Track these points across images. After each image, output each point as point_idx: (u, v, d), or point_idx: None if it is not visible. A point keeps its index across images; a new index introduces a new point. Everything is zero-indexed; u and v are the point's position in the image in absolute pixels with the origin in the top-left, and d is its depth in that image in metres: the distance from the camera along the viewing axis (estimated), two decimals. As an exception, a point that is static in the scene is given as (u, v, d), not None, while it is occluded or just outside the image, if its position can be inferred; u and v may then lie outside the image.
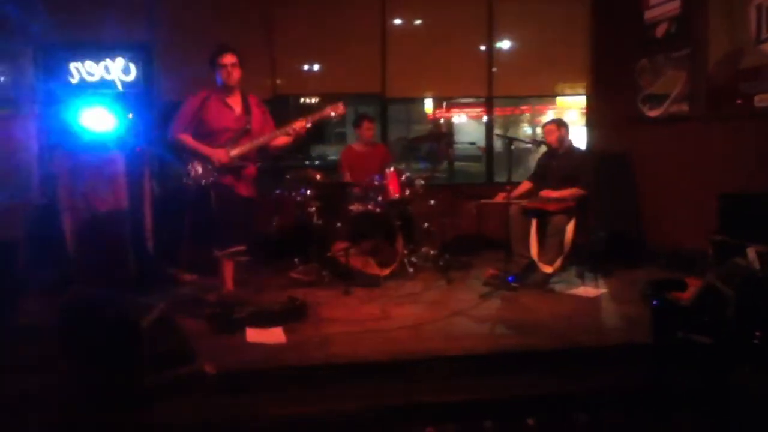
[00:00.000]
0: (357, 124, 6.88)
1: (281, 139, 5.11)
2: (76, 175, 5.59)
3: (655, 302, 3.88)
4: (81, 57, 6.94)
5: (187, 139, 4.95)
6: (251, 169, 5.13)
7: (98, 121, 5.63)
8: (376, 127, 7.27)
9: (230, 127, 4.99)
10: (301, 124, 5.02)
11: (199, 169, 4.93)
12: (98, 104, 5.71)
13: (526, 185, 6.22)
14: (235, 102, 5.08)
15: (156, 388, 3.53)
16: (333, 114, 5.16)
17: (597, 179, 5.87)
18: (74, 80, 6.90)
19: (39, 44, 6.68)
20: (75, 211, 5.55)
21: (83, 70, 6.92)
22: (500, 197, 5.88)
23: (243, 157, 5.01)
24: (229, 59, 4.95)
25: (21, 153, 6.16)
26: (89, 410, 3.43)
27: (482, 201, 6.33)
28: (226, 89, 5.01)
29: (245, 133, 5.03)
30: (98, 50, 6.95)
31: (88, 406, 3.46)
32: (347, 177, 6.52)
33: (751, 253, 4.23)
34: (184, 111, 5.00)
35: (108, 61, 6.97)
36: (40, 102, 6.61)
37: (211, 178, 4.90)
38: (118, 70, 7.00)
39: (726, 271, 3.66)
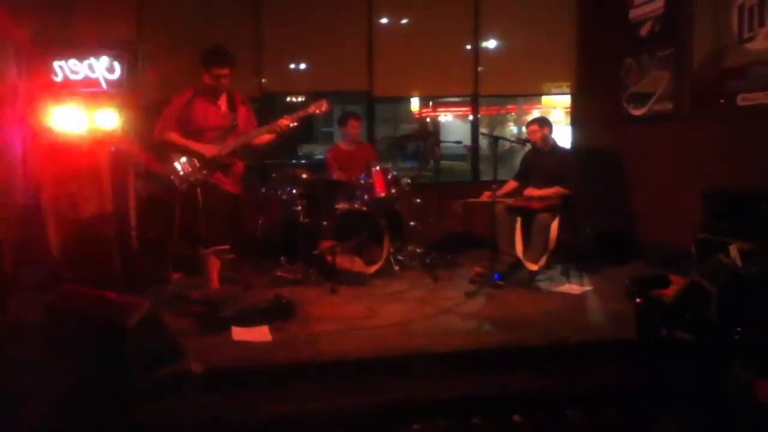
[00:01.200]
0: (343, 122, 6.88)
1: (265, 137, 5.12)
2: (60, 175, 5.56)
3: (638, 299, 3.91)
4: (65, 55, 6.87)
5: (175, 137, 4.93)
6: (239, 166, 5.14)
7: (81, 120, 5.61)
8: (363, 125, 7.27)
9: (217, 125, 4.99)
10: (286, 122, 5.03)
11: (188, 167, 4.92)
12: (82, 103, 5.68)
13: (512, 184, 6.25)
14: (221, 99, 5.08)
15: (144, 387, 3.52)
16: (317, 111, 5.19)
17: (580, 178, 5.90)
18: (58, 78, 6.84)
19: (22, 41, 6.62)
20: (59, 211, 5.53)
21: (67, 68, 6.86)
22: (486, 196, 5.90)
23: (230, 154, 5.01)
24: (224, 72, 4.94)
25: (5, 153, 6.11)
26: (77, 410, 3.42)
27: (468, 200, 6.35)
28: (213, 89, 5.00)
29: (232, 130, 5.03)
30: (83, 48, 6.89)
31: (76, 407, 3.44)
32: (336, 175, 6.51)
33: (733, 250, 4.26)
34: (170, 110, 4.99)
35: (92, 60, 6.91)
36: (23, 100, 6.55)
37: (200, 176, 4.89)
38: (103, 68, 6.94)
39: (709, 268, 3.69)
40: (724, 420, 3.26)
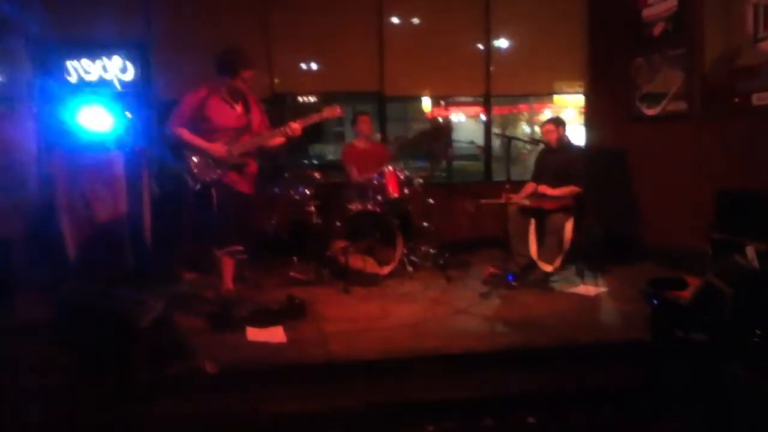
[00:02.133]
0: (353, 121, 6.90)
1: (277, 140, 5.11)
2: (75, 175, 5.59)
3: (654, 301, 3.88)
4: (78, 55, 6.91)
5: (185, 134, 4.91)
6: (253, 167, 5.12)
7: (96, 120, 5.63)
8: (375, 125, 7.26)
9: (232, 125, 4.97)
10: (297, 127, 5.02)
11: (202, 166, 4.90)
12: (96, 103, 5.71)
13: (531, 186, 6.18)
14: (237, 102, 5.06)
15: (155, 385, 3.54)
16: (330, 117, 5.21)
17: (590, 175, 5.87)
18: (72, 79, 6.88)
19: (36, 42, 6.66)
20: (73, 211, 5.55)
21: (80, 68, 6.90)
22: (504, 197, 5.88)
23: (244, 154, 5.00)
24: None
25: (18, 152, 6.15)
26: (88, 407, 3.43)
27: (482, 201, 6.32)
28: (232, 91, 4.98)
29: (246, 131, 5.02)
30: (96, 48, 6.94)
31: (88, 403, 3.46)
32: (354, 172, 6.49)
33: (750, 251, 4.24)
34: (184, 106, 4.95)
35: (105, 60, 6.95)
36: (37, 100, 6.59)
37: (214, 175, 4.89)
38: (116, 68, 6.98)
39: (725, 269, 3.66)
40: (738, 420, 3.24)
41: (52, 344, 3.93)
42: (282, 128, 5.05)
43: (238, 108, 5.02)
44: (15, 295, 5.06)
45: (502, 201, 5.79)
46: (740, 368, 3.25)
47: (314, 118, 5.13)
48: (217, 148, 4.90)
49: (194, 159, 4.92)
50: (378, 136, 7.60)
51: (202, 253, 5.32)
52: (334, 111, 5.19)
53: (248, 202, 5.13)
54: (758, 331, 3.21)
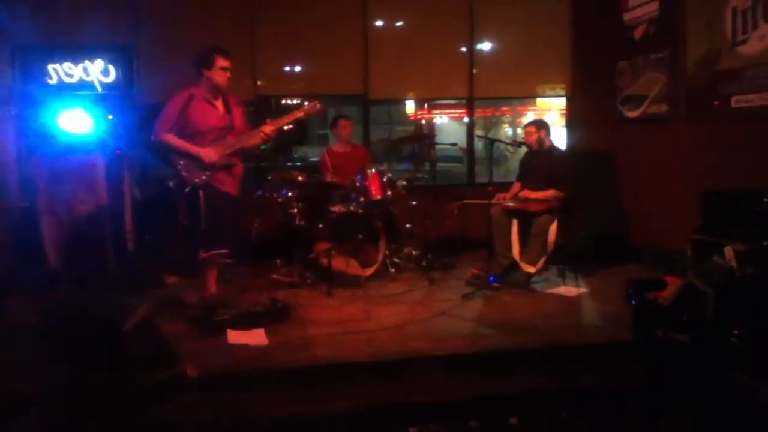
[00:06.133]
0: (333, 124, 6.88)
1: (252, 141, 5.06)
2: (56, 178, 5.56)
3: (634, 302, 3.91)
4: (59, 58, 6.86)
5: (173, 139, 4.87)
6: (239, 168, 5.10)
7: (77, 123, 5.60)
8: (358, 127, 7.26)
9: (215, 126, 4.94)
10: (270, 129, 4.97)
11: (190, 170, 4.87)
12: (77, 106, 5.67)
13: (517, 186, 6.21)
14: (218, 101, 5.04)
15: (139, 390, 3.51)
16: (310, 112, 5.20)
17: (577, 180, 5.90)
18: (52, 81, 6.83)
19: (16, 45, 6.62)
20: (54, 215, 5.51)
21: (61, 71, 6.85)
22: (497, 198, 5.90)
23: (230, 155, 4.97)
24: (228, 63, 4.93)
25: (0, 154, 6.11)
26: (74, 413, 3.41)
27: (465, 201, 6.34)
28: (213, 90, 4.96)
29: (229, 132, 4.99)
30: (77, 51, 6.88)
31: (73, 410, 3.43)
32: (329, 178, 6.50)
33: (728, 251, 4.27)
34: (169, 111, 4.90)
35: (87, 63, 6.90)
36: (18, 103, 6.54)
37: (203, 177, 4.85)
38: (98, 71, 6.93)
39: (704, 269, 3.69)
40: (719, 421, 3.26)
41: (38, 349, 3.89)
42: (255, 130, 5.02)
43: (220, 107, 5.00)
44: (1, 298, 5.02)
45: (488, 202, 5.81)
46: (733, 369, 3.27)
47: (295, 114, 5.12)
48: (207, 153, 4.86)
49: (181, 162, 4.87)
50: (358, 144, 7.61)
51: (185, 257, 5.29)
52: (314, 107, 5.17)
53: (236, 203, 5.11)
54: (736, 331, 3.24)
